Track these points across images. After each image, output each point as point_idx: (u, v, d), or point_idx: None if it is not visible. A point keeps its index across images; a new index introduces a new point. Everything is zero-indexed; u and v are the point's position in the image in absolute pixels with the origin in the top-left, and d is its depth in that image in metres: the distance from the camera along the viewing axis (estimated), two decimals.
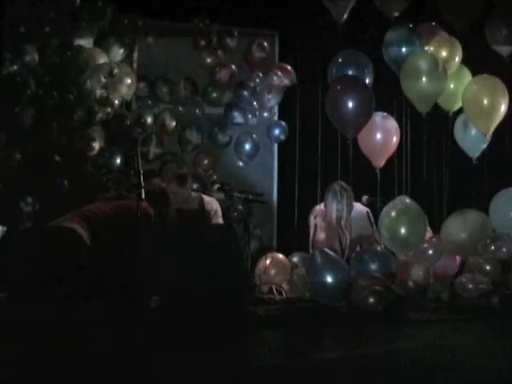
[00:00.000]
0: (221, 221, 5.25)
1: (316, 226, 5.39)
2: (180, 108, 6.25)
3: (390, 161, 5.65)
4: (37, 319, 3.63)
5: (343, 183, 5.38)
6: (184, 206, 5.09)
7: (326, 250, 4.82)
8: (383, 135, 5.54)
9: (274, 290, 5.08)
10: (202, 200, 5.25)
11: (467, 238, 5.04)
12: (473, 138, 5.62)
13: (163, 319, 3.80)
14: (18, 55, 5.43)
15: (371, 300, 4.26)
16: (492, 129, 5.46)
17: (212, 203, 5.26)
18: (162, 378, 2.58)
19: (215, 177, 6.17)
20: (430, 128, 5.58)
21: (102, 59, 5.69)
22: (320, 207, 5.50)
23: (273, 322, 4.13)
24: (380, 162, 5.55)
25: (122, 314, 3.73)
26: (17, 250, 4.43)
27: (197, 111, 6.30)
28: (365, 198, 5.62)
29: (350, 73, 5.31)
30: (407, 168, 5.88)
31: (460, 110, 5.69)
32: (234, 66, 6.30)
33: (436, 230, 5.34)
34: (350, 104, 5.17)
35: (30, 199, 5.19)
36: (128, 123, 5.87)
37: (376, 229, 5.27)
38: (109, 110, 5.55)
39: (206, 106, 6.37)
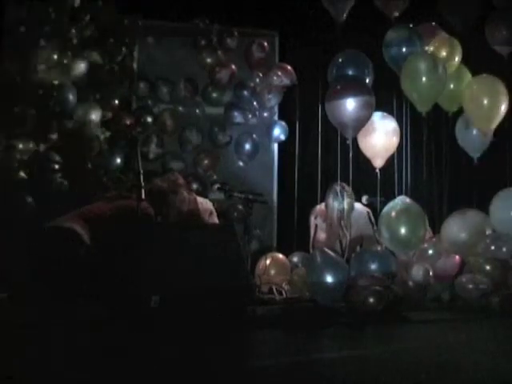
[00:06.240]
0: (216, 220, 5.24)
1: (316, 226, 5.40)
2: (180, 108, 6.26)
3: (389, 161, 5.66)
4: (37, 319, 3.63)
5: (343, 183, 5.38)
6: (180, 207, 5.08)
7: (326, 250, 4.81)
8: (383, 135, 5.54)
9: (274, 290, 5.07)
10: (195, 200, 5.23)
11: (467, 238, 5.04)
12: (474, 139, 5.62)
13: (163, 319, 3.79)
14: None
15: (371, 300, 4.26)
16: (492, 129, 5.46)
17: (205, 204, 5.25)
18: (162, 377, 2.58)
19: (215, 177, 6.17)
20: (429, 128, 5.58)
21: None
22: (320, 207, 5.50)
23: (273, 322, 4.13)
24: (380, 162, 5.55)
25: (122, 314, 3.73)
26: (17, 249, 4.43)
27: (197, 111, 6.31)
28: (365, 197, 5.62)
29: (350, 73, 5.32)
30: (407, 168, 5.89)
31: (460, 110, 5.69)
32: (233, 66, 6.30)
33: (436, 230, 5.34)
34: (350, 104, 5.17)
35: (30, 199, 5.18)
36: (128, 123, 5.87)
37: (376, 229, 5.27)
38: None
39: (206, 106, 6.38)
